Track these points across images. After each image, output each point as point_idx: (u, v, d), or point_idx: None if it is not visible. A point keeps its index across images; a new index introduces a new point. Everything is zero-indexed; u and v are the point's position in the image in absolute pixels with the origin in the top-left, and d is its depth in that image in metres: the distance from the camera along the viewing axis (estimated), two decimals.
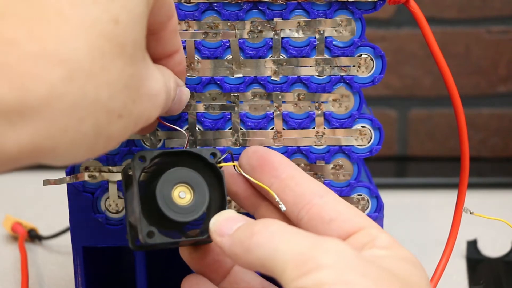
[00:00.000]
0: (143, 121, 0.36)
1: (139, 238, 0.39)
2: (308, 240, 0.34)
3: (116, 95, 0.32)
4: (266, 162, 0.41)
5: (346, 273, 0.32)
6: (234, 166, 0.42)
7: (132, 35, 0.33)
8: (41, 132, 0.30)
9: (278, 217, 0.41)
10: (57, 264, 0.61)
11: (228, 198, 0.42)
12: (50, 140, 0.30)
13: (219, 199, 0.41)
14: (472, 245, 0.61)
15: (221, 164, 0.41)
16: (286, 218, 0.41)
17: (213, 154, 0.41)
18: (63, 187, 0.47)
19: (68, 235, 0.63)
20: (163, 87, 0.37)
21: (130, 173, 0.40)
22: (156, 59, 0.39)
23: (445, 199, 0.62)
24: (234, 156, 0.42)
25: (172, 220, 0.39)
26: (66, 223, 0.63)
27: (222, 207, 0.41)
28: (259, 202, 0.42)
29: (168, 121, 0.44)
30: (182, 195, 0.40)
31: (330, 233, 0.37)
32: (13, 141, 0.29)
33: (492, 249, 0.62)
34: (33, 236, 0.64)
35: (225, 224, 0.37)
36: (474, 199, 0.61)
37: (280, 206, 0.40)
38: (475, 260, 0.60)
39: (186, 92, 0.41)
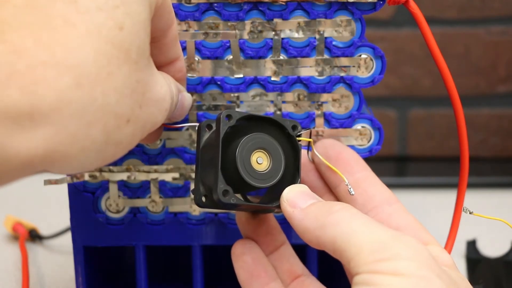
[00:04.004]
0: (150, 126, 0.36)
1: (213, 195, 0.39)
2: (388, 231, 0.34)
3: (123, 100, 0.33)
4: (342, 157, 0.43)
5: (423, 269, 0.33)
6: (308, 147, 0.43)
7: (136, 41, 0.33)
8: (51, 137, 0.30)
9: None
10: (58, 263, 0.61)
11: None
12: (60, 146, 0.31)
13: (292, 171, 0.41)
14: (471, 245, 0.61)
15: (299, 138, 0.42)
16: None
17: (294, 127, 0.41)
18: (64, 187, 0.47)
19: (68, 235, 0.63)
20: (168, 92, 0.37)
21: (207, 130, 0.41)
22: (157, 67, 0.39)
23: (445, 199, 0.62)
24: None
25: (246, 183, 0.40)
26: (67, 223, 0.63)
27: (293, 180, 0.41)
28: (323, 194, 0.44)
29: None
30: (260, 161, 0.40)
31: None
32: (25, 146, 0.30)
33: (491, 249, 0.62)
34: (34, 236, 0.64)
35: (300, 197, 0.38)
36: (474, 199, 0.61)
37: (349, 190, 0.41)
38: (475, 260, 0.60)
39: (187, 98, 0.42)
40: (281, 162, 0.40)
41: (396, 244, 0.33)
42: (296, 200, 0.38)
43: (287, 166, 0.41)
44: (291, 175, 0.41)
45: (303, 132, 0.42)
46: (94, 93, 0.31)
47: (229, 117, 0.40)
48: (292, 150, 0.42)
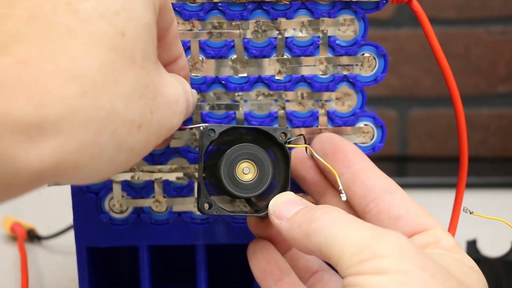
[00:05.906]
0: (165, 130, 0.36)
1: (198, 207, 0.40)
2: (368, 230, 0.35)
3: (132, 106, 0.32)
4: (339, 150, 0.43)
5: (404, 263, 0.33)
6: (306, 148, 0.43)
7: (141, 46, 0.33)
8: (61, 147, 0.30)
9: (343, 206, 0.42)
10: (57, 264, 0.61)
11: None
12: (70, 155, 0.30)
13: (284, 179, 0.42)
14: (471, 245, 0.61)
15: (292, 145, 0.42)
16: (350, 208, 0.42)
17: (283, 134, 0.41)
18: (62, 187, 0.47)
19: (67, 235, 0.63)
20: (182, 94, 0.37)
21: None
22: None
23: (445, 199, 0.62)
24: None
25: (232, 194, 0.40)
26: (65, 223, 0.63)
27: (285, 187, 0.41)
28: (326, 190, 0.44)
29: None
30: (246, 171, 0.41)
31: (396, 229, 0.38)
32: (35, 157, 0.29)
33: (491, 249, 0.62)
34: (32, 236, 0.64)
35: (284, 207, 0.39)
36: (474, 199, 0.61)
37: (341, 195, 0.41)
38: (475, 260, 0.59)
39: (194, 95, 0.42)
40: (269, 171, 0.41)
41: (376, 243, 0.33)
42: (282, 210, 0.39)
43: (280, 173, 0.41)
44: (283, 183, 0.42)
45: (293, 138, 0.42)
46: (100, 101, 0.31)
47: (212, 130, 0.40)
48: (284, 157, 0.42)
